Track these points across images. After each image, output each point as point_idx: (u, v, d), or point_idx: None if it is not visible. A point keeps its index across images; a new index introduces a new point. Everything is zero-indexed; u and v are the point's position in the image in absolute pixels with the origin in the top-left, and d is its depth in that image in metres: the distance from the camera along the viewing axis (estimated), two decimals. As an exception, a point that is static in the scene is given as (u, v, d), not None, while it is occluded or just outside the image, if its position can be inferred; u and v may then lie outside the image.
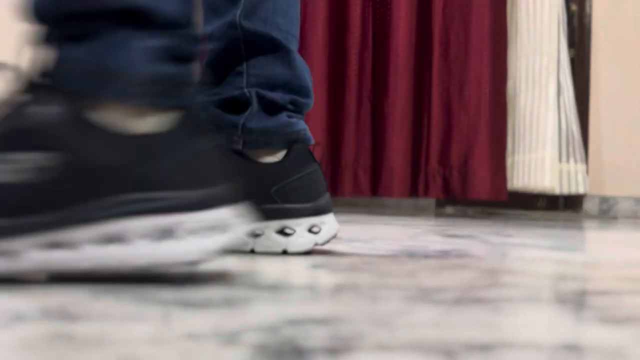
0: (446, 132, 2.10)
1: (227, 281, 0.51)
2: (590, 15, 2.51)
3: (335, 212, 1.85)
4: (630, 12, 2.49)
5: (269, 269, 0.60)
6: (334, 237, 0.75)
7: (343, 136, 2.09)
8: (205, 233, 0.49)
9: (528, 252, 0.84)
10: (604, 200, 2.48)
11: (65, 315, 0.37)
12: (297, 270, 0.60)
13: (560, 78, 2.28)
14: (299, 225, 0.73)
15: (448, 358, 0.30)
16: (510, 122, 2.27)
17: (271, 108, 0.76)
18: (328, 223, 0.75)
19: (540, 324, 0.40)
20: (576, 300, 0.48)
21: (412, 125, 2.11)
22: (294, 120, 0.77)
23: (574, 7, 2.48)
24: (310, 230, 0.73)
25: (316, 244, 0.72)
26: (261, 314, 0.40)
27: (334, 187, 2.10)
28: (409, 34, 2.10)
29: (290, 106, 0.78)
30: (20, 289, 0.44)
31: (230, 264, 0.62)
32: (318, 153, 0.82)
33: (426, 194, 2.11)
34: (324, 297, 0.46)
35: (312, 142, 0.78)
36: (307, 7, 2.07)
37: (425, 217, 1.78)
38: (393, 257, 0.73)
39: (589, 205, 2.49)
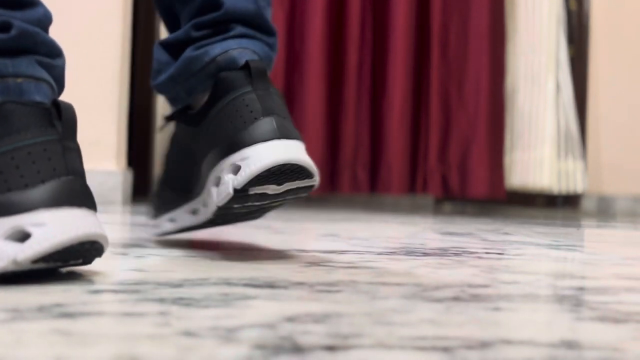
0: (445, 129, 2.10)
1: (225, 278, 0.51)
2: (589, 13, 2.51)
3: (334, 210, 1.84)
4: (629, 10, 2.49)
5: (267, 266, 0.60)
6: (266, 169, 0.54)
7: (341, 133, 2.09)
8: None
9: (526, 249, 0.84)
10: (602, 198, 2.48)
11: (63, 312, 0.37)
12: (295, 267, 0.60)
13: (559, 76, 2.28)
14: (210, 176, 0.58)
15: (446, 355, 0.30)
16: (509, 120, 2.27)
17: (174, 53, 0.65)
18: (252, 157, 0.55)
19: (538, 321, 0.40)
20: (574, 298, 0.48)
21: (411, 123, 2.11)
22: (201, 50, 0.62)
23: (572, 5, 2.48)
24: (233, 172, 0.56)
25: (235, 189, 0.55)
26: (259, 311, 0.40)
27: (333, 184, 2.10)
28: (408, 31, 2.10)
29: (194, 33, 0.63)
30: (17, 286, 0.44)
31: (228, 262, 0.62)
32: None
33: (425, 191, 2.11)
34: (322, 294, 0.46)
35: (240, 61, 0.61)
36: (306, 2, 2.07)
37: (423, 214, 1.78)
38: (391, 254, 0.73)
39: (587, 203, 2.49)
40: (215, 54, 0.61)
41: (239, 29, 0.63)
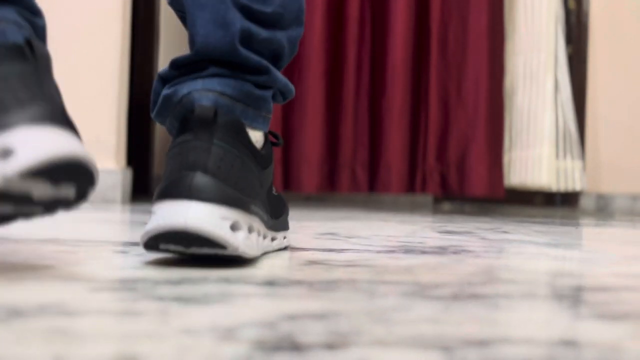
0: (444, 128, 2.11)
1: (224, 277, 0.51)
2: (587, 12, 2.51)
3: (333, 209, 1.84)
4: (627, 9, 2.49)
5: (266, 264, 0.60)
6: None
7: (341, 132, 2.09)
8: None
9: (525, 248, 0.84)
10: (600, 197, 2.48)
11: (62, 311, 0.37)
12: (294, 265, 0.60)
13: (557, 75, 2.28)
14: None
15: (445, 353, 0.30)
16: (508, 119, 2.27)
17: (162, 87, 0.65)
18: (155, 214, 0.53)
19: (537, 319, 0.41)
20: (573, 296, 0.48)
21: (410, 122, 2.11)
22: (172, 89, 0.62)
23: (571, 4, 2.48)
24: None
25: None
26: (258, 309, 0.40)
27: (332, 184, 2.10)
28: (407, 31, 2.10)
29: (172, 71, 0.64)
30: (17, 284, 0.44)
31: (228, 260, 0.62)
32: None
33: (423, 190, 2.11)
34: (322, 293, 0.46)
35: (196, 104, 0.58)
36: (305, 1, 2.07)
37: (422, 213, 1.78)
38: (390, 253, 0.73)
39: (585, 202, 2.49)
40: (183, 94, 0.60)
41: (212, 69, 0.61)
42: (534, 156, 2.23)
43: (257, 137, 0.64)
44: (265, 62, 0.63)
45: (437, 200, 2.37)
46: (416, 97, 2.13)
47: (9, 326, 0.33)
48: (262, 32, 0.63)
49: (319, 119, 2.06)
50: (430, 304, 0.43)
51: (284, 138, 2.08)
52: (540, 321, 0.40)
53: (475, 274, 0.58)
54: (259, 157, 0.61)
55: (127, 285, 0.46)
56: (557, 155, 2.28)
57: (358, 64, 2.10)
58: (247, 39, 0.62)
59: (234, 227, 0.54)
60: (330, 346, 0.31)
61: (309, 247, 0.77)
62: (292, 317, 0.37)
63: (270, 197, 0.67)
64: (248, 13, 0.62)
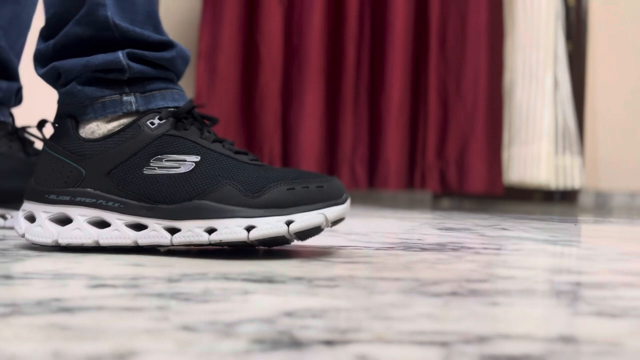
0: (443, 125, 2.11)
1: (223, 273, 0.51)
2: (587, 9, 2.51)
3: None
4: (626, 6, 2.49)
5: (265, 261, 0.60)
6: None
7: (340, 129, 2.09)
8: None
9: (524, 245, 0.85)
10: (599, 194, 2.48)
11: (61, 307, 0.37)
12: (293, 262, 0.60)
13: (556, 72, 2.28)
14: None
15: (444, 350, 0.30)
16: (507, 116, 2.27)
17: None
18: None
19: (536, 316, 0.41)
20: (571, 293, 0.49)
21: (409, 119, 2.11)
22: None
23: (571, 1, 2.48)
24: None
25: None
26: (258, 305, 0.40)
27: (331, 180, 2.10)
28: (407, 27, 2.10)
29: None
30: (16, 281, 0.44)
31: (227, 256, 0.62)
32: None
33: (422, 187, 2.11)
34: (321, 289, 0.46)
35: None
36: (304, -1, 2.06)
37: (421, 210, 1.78)
38: (389, 249, 0.73)
39: (584, 199, 2.49)
40: None
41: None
42: (532, 153, 2.23)
43: (96, 125, 0.65)
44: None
45: (436, 197, 2.38)
46: (415, 94, 2.13)
47: (8, 323, 0.33)
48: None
49: (318, 115, 2.06)
50: (429, 301, 0.43)
51: (283, 134, 2.07)
52: (538, 317, 0.40)
53: (474, 271, 0.58)
54: (80, 144, 0.64)
55: (127, 281, 0.46)
56: (556, 152, 2.28)
57: (357, 61, 2.10)
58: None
59: (28, 218, 0.65)
60: (329, 342, 0.31)
61: (308, 243, 0.77)
62: (291, 314, 0.37)
63: (140, 178, 0.62)
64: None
